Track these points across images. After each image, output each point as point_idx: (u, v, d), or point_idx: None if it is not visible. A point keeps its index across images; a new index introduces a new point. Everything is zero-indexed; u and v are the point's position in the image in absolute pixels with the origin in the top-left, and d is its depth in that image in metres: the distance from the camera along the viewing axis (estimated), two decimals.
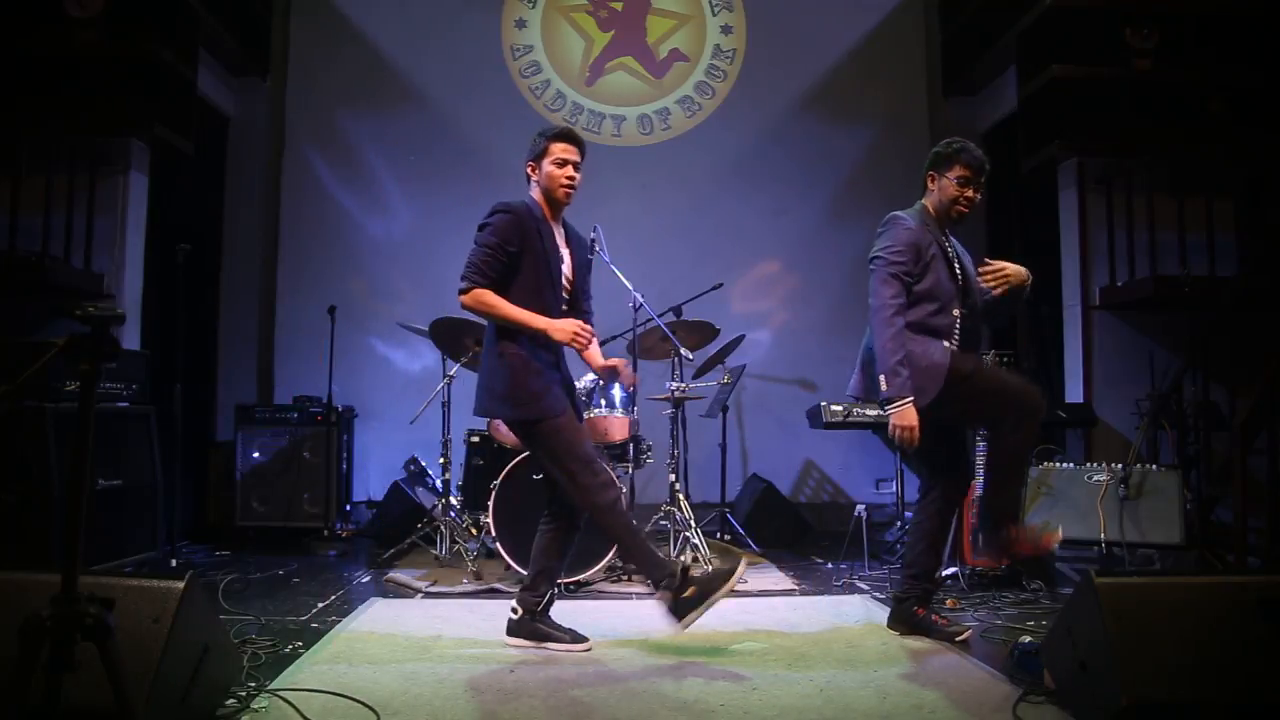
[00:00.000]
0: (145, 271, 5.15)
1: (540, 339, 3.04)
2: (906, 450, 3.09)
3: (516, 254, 3.04)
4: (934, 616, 3.30)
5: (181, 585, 2.21)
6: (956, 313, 3.19)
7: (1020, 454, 3.18)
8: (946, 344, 3.14)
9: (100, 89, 4.68)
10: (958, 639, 3.19)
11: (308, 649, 3.07)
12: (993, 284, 3.18)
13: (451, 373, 4.88)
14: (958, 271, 3.24)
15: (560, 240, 3.19)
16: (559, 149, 3.12)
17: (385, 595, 4.01)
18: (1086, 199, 5.48)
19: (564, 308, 3.16)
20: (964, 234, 3.49)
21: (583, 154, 3.18)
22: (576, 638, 3.13)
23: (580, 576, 4.03)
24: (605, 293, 5.20)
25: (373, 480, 6.15)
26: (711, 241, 6.41)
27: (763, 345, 6.40)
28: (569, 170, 3.11)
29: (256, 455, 5.40)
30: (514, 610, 3.18)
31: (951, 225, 3.31)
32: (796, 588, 4.25)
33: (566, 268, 3.18)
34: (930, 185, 3.29)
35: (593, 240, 4.77)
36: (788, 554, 5.09)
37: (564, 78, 6.64)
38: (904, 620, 3.33)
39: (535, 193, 3.16)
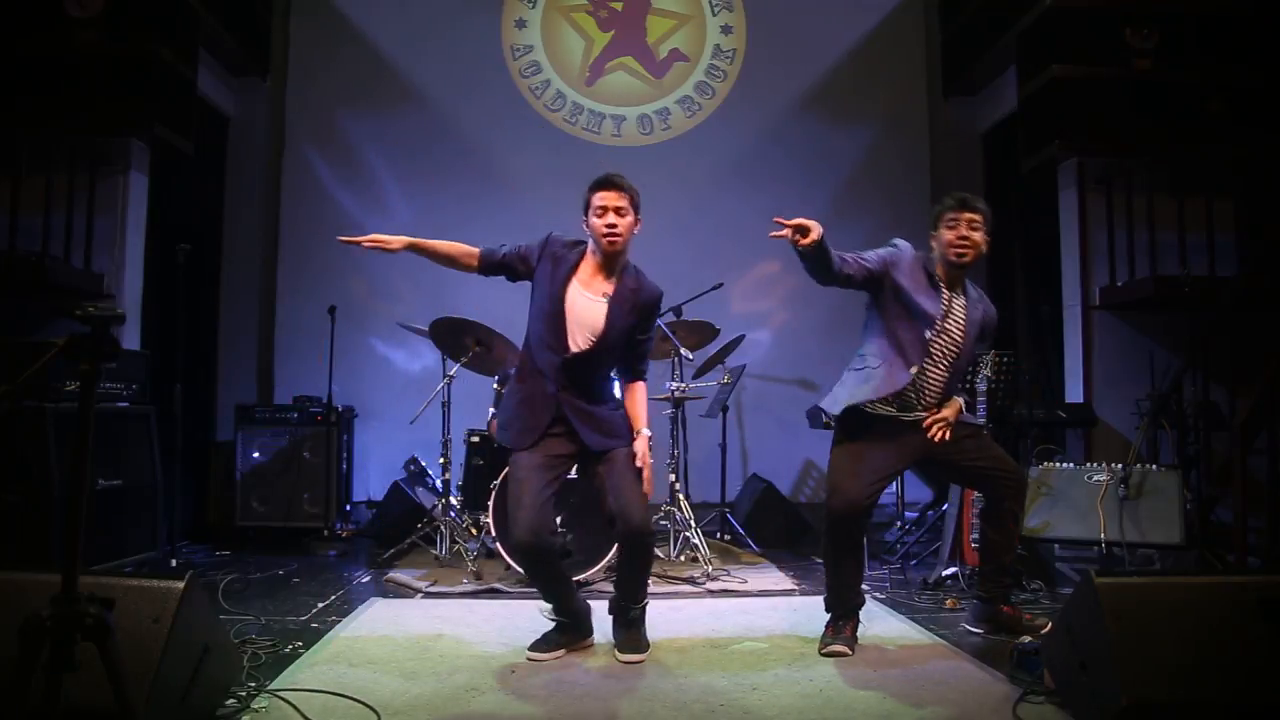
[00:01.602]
0: (145, 271, 5.14)
1: (538, 369, 3.09)
2: None
3: (528, 272, 3.13)
4: (1006, 609, 3.40)
5: (181, 585, 2.21)
6: (919, 357, 3.17)
7: (828, 548, 3.27)
8: (907, 399, 3.20)
9: (100, 89, 4.68)
10: (1042, 632, 3.17)
11: (308, 649, 3.07)
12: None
13: (451, 373, 4.88)
14: (939, 329, 3.19)
15: (594, 290, 3.08)
16: (596, 199, 3.06)
17: (385, 595, 4.01)
18: (1086, 199, 5.48)
19: (572, 354, 3.05)
20: None
21: (628, 194, 3.07)
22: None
23: (580, 576, 4.02)
24: None
25: (373, 480, 6.15)
26: (711, 241, 6.41)
27: (763, 345, 6.40)
28: (608, 218, 3.03)
29: (256, 455, 5.39)
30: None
31: (958, 272, 3.26)
32: (796, 588, 4.25)
33: (590, 319, 3.05)
34: (933, 246, 3.28)
35: None
36: (788, 554, 5.09)
37: (564, 78, 6.64)
38: (988, 619, 3.40)
39: (590, 245, 3.15)
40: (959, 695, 2.65)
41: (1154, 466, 4.40)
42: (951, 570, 4.14)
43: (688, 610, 3.78)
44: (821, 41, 6.69)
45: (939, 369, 3.20)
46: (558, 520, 3.99)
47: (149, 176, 5.20)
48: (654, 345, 3.30)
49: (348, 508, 5.91)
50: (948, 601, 3.84)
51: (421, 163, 6.41)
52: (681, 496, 4.77)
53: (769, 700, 2.62)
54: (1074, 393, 5.45)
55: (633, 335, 3.14)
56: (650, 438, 3.18)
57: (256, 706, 2.48)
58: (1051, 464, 4.54)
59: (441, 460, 4.90)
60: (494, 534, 4.08)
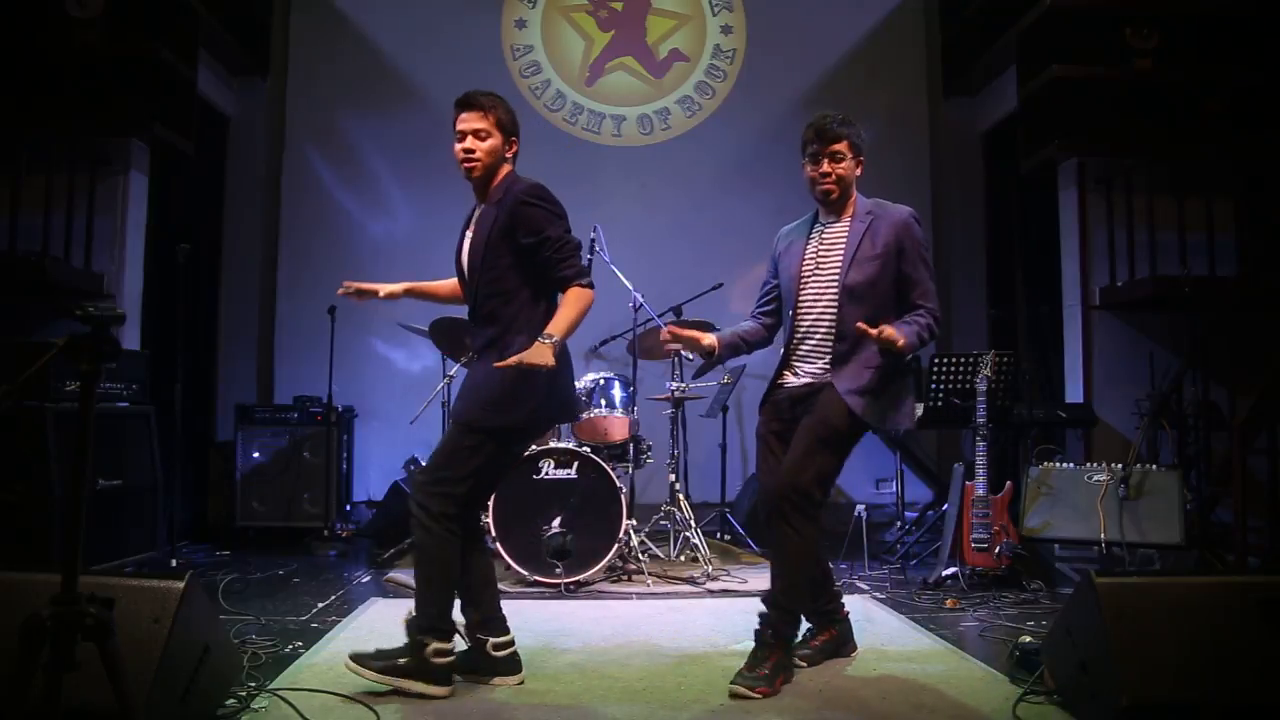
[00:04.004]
0: (145, 271, 5.14)
1: None
2: None
3: None
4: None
5: (181, 585, 2.21)
6: (790, 313, 2.99)
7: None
8: (789, 363, 2.97)
9: (100, 89, 4.68)
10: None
11: (308, 649, 3.07)
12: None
13: (451, 373, 4.88)
14: (806, 265, 2.96)
15: (474, 220, 2.83)
16: (455, 121, 2.77)
17: (385, 595, 4.00)
18: (1086, 199, 5.48)
19: (470, 303, 2.82)
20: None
21: (491, 114, 2.73)
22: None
23: (580, 576, 4.02)
24: (605, 293, 5.22)
25: (373, 480, 6.15)
26: (711, 241, 6.41)
27: None
28: (466, 143, 2.74)
29: (256, 455, 5.39)
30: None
31: (833, 209, 2.99)
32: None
33: (466, 249, 2.82)
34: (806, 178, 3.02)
35: (593, 240, 4.79)
36: None
37: (564, 78, 6.64)
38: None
39: None
40: (959, 695, 2.65)
41: (1154, 466, 4.40)
42: (951, 570, 4.14)
43: (688, 610, 3.78)
44: (821, 41, 6.70)
45: (820, 303, 2.91)
46: (556, 521, 4.00)
47: (149, 176, 5.20)
48: (558, 240, 2.70)
49: (348, 508, 5.92)
50: (948, 601, 3.84)
51: (421, 163, 6.40)
52: (681, 496, 4.77)
53: (769, 700, 2.62)
54: (1074, 393, 5.45)
55: (515, 244, 2.70)
56: (554, 341, 2.59)
57: (256, 706, 2.48)
58: (1051, 464, 4.54)
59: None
60: (494, 534, 4.08)
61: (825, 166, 2.92)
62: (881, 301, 2.87)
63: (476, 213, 2.85)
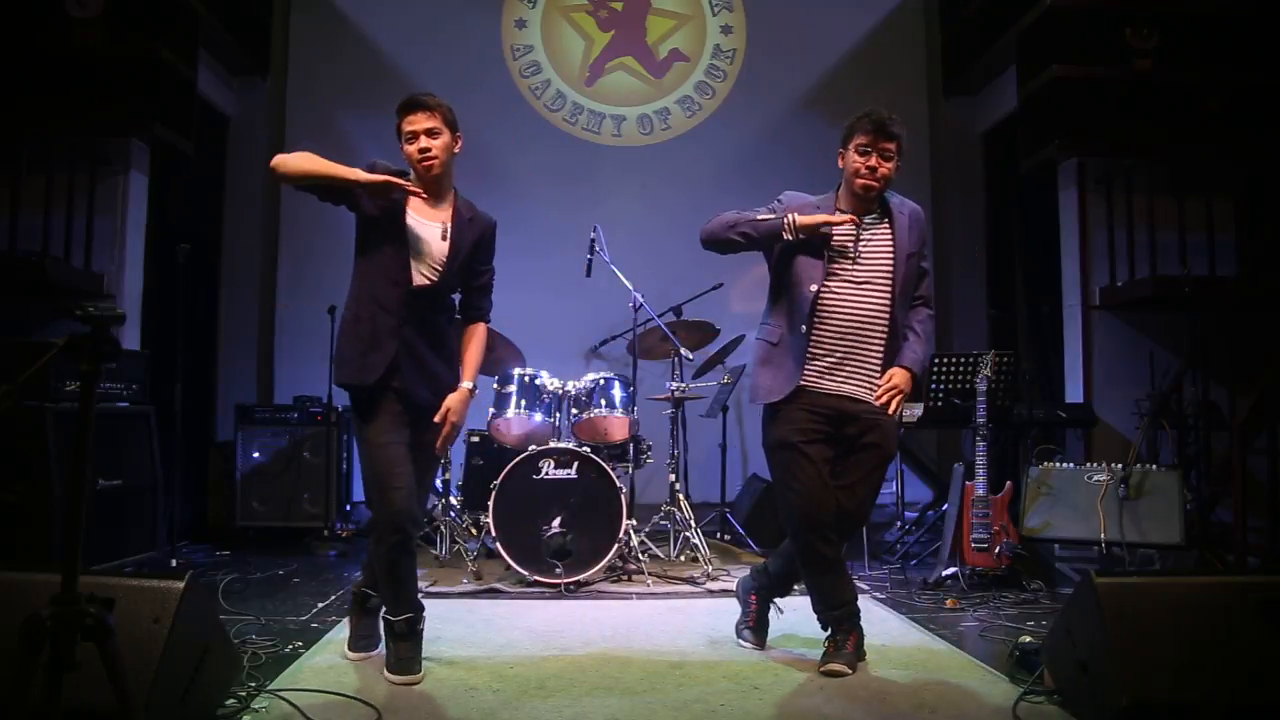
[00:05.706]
0: (145, 271, 5.14)
1: (376, 302, 2.86)
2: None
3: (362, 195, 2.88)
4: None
5: (181, 585, 2.22)
6: (814, 289, 2.84)
7: (803, 563, 3.04)
8: (831, 368, 2.86)
9: (100, 89, 4.68)
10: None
11: (308, 649, 3.07)
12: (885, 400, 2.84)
13: None
14: (839, 251, 2.87)
15: (438, 217, 2.91)
16: (405, 125, 2.86)
17: None
18: (1086, 199, 5.47)
19: (416, 287, 2.86)
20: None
21: (439, 113, 2.83)
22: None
23: (580, 576, 4.02)
24: (605, 293, 5.25)
25: None
26: None
27: None
28: (419, 143, 2.83)
29: (256, 455, 5.39)
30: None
31: (865, 205, 2.91)
32: (796, 588, 4.24)
33: (432, 249, 2.88)
34: (840, 165, 2.95)
35: (592, 240, 4.80)
36: None
37: (564, 78, 6.64)
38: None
39: (412, 175, 2.93)
40: (959, 695, 2.65)
41: (1154, 466, 4.40)
42: (951, 570, 4.14)
43: (688, 610, 3.78)
44: (821, 41, 6.70)
45: (867, 304, 2.87)
46: (556, 521, 4.01)
47: (149, 176, 5.20)
48: (492, 275, 3.06)
49: (348, 508, 5.91)
50: (948, 601, 3.84)
51: None
52: (681, 496, 4.77)
53: (769, 700, 2.62)
54: (1074, 393, 5.45)
55: (474, 267, 2.97)
56: (473, 391, 2.92)
57: (256, 706, 2.48)
58: (1051, 464, 4.54)
59: (441, 460, 4.89)
60: (494, 534, 4.08)
61: (874, 161, 2.86)
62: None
63: (432, 208, 2.92)
